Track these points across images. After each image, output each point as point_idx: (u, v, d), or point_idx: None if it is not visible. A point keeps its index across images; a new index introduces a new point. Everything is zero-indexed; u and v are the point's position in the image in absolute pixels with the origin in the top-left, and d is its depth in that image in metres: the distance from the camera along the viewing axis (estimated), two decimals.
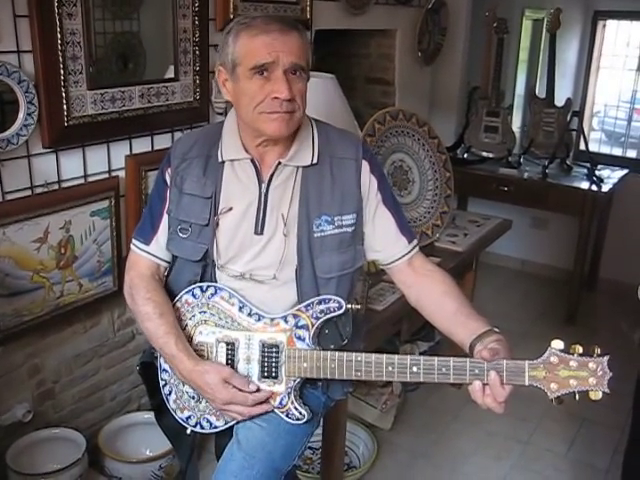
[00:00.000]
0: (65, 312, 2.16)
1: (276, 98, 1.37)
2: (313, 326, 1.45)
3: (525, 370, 1.30)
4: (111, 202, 2.20)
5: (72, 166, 2.08)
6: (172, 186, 1.54)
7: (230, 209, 1.50)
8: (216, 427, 1.54)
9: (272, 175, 1.49)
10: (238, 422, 1.52)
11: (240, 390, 1.45)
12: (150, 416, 2.40)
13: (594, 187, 3.85)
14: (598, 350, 1.28)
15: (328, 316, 1.46)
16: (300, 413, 1.47)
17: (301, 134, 1.51)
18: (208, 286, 1.53)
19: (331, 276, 1.51)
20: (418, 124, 2.73)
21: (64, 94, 1.96)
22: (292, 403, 1.47)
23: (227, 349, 1.50)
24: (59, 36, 1.91)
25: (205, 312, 1.52)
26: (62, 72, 1.94)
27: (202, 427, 1.55)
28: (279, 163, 1.49)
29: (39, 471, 2.06)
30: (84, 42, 1.99)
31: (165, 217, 1.57)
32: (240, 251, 1.51)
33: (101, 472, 2.26)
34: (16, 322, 2.01)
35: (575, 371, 1.27)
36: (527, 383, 1.30)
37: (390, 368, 1.38)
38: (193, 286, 1.54)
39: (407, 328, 2.46)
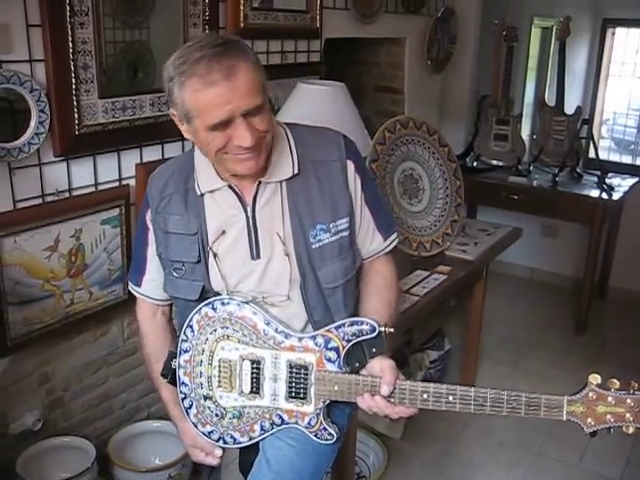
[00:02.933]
0: (75, 320, 2.16)
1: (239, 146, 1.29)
2: (344, 348, 1.39)
3: (564, 406, 1.29)
4: (121, 210, 2.20)
5: (83, 174, 2.09)
6: (156, 229, 1.50)
7: (223, 232, 1.45)
8: (240, 442, 1.50)
9: (255, 196, 1.43)
10: (263, 438, 1.49)
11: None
12: (160, 424, 2.41)
13: (604, 195, 3.83)
14: (636, 385, 1.27)
15: (360, 339, 1.38)
16: (329, 434, 1.43)
17: (276, 147, 1.42)
18: (230, 299, 1.46)
19: (337, 285, 1.48)
20: (428, 132, 2.73)
21: (75, 103, 1.96)
22: (321, 424, 1.43)
23: (252, 367, 1.45)
24: (71, 45, 1.92)
25: (227, 327, 1.46)
26: (73, 81, 1.95)
27: (225, 442, 1.51)
28: (259, 183, 1.42)
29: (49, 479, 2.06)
30: (95, 51, 2.00)
31: (150, 260, 1.55)
32: (243, 276, 1.47)
33: None
34: (26, 330, 2.01)
35: (612, 407, 1.27)
36: (565, 418, 1.29)
37: (425, 396, 1.34)
38: (213, 299, 1.47)
39: (418, 337, 2.45)
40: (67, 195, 2.05)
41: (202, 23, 2.34)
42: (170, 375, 1.54)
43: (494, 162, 4.12)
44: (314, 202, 1.44)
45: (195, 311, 1.48)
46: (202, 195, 1.45)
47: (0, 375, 2.01)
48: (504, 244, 3.04)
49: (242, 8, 2.46)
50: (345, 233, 1.47)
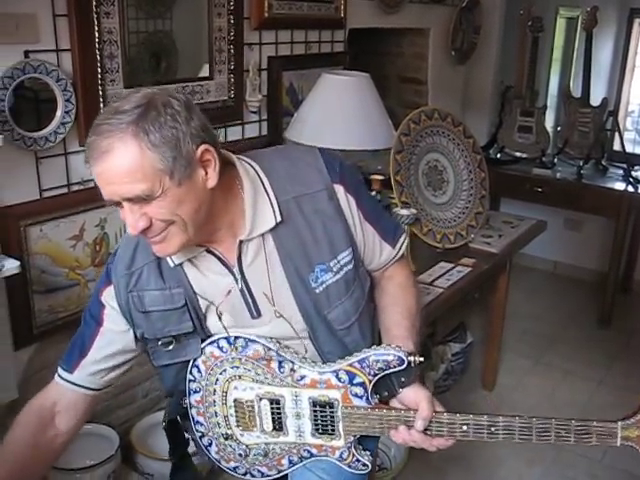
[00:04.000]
0: None
1: None
2: (370, 382, 1.28)
3: (617, 432, 1.23)
4: None
5: None
6: (130, 310, 1.29)
7: (209, 306, 1.30)
8: (269, 476, 1.41)
9: (239, 256, 1.25)
10: (293, 470, 1.41)
11: None
12: None
13: (630, 188, 3.78)
14: None
15: (387, 372, 1.27)
16: (364, 464, 1.35)
17: (247, 200, 1.22)
18: (236, 337, 1.30)
19: (350, 323, 1.34)
20: (453, 124, 2.70)
21: (101, 92, 1.96)
22: (354, 456, 1.34)
23: (272, 406, 1.33)
24: (97, 35, 1.92)
25: (238, 367, 1.32)
26: (99, 70, 1.94)
27: (253, 476, 1.42)
28: (240, 242, 1.23)
29: (73, 466, 2.07)
30: (120, 41, 2.00)
31: (98, 340, 1.33)
32: (250, 330, 1.32)
33: (133, 468, 2.27)
34: (52, 318, 2.02)
35: None
36: (619, 444, 1.24)
37: (464, 428, 1.25)
38: (217, 337, 1.31)
39: (441, 330, 2.44)
40: (92, 185, 2.05)
41: (227, 13, 2.32)
42: (176, 417, 1.45)
43: (518, 154, 4.08)
44: (307, 244, 1.26)
45: (200, 352, 1.34)
46: (179, 265, 1.26)
47: (26, 363, 2.02)
48: (528, 237, 3.01)
49: None
50: (349, 266, 1.31)
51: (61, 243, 1.98)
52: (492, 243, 2.75)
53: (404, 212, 2.32)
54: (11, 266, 1.69)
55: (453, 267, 2.49)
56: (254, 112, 2.50)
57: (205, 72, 2.33)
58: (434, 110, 2.67)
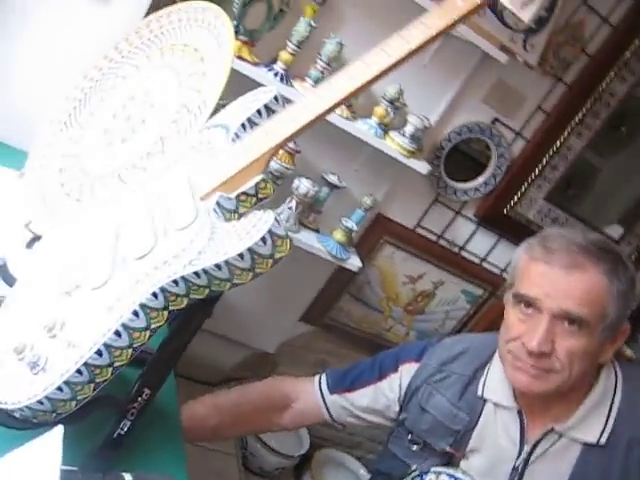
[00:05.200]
0: (373, 343, 2.22)
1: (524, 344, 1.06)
2: None
3: None
4: (483, 295, 2.23)
5: (483, 242, 2.17)
6: (413, 395, 1.25)
7: (476, 451, 1.19)
8: None
9: (539, 440, 1.13)
10: None
11: None
12: None
13: None
14: None
15: None
16: None
17: (592, 397, 1.11)
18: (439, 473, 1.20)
19: None
20: None
21: (523, 188, 2.05)
22: None
23: None
24: (557, 144, 2.00)
25: None
26: (536, 170, 2.03)
27: None
28: (552, 429, 1.11)
29: None
30: (571, 162, 2.06)
31: (366, 390, 1.30)
32: None
33: None
34: (342, 320, 2.16)
35: None
36: None
37: None
38: (456, 472, 1.20)
39: None
40: (456, 250, 2.14)
41: None
42: None
43: None
44: None
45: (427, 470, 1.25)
46: (483, 400, 1.19)
47: (295, 334, 2.17)
48: None
49: None
50: None
51: (397, 273, 2.10)
52: None
53: None
54: (354, 262, 1.83)
55: None
56: None
57: None
58: None
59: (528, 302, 1.06)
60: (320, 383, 1.35)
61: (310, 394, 1.35)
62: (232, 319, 1.96)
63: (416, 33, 0.72)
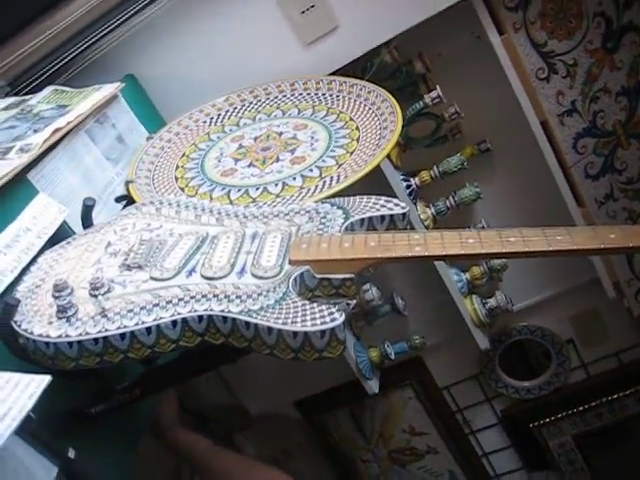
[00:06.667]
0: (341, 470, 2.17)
1: None
2: None
3: None
4: None
5: (494, 439, 2.09)
6: None
7: None
8: None
9: None
10: None
11: None
12: None
13: None
14: None
15: None
16: None
17: None
18: None
19: None
20: None
21: (558, 415, 1.97)
22: None
23: None
24: (608, 398, 1.92)
25: None
26: (581, 408, 1.95)
27: None
28: None
29: None
30: (617, 416, 1.97)
31: None
32: None
33: None
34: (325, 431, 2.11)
35: None
36: None
37: None
38: None
39: None
40: (467, 431, 2.08)
41: None
42: None
43: None
44: None
45: None
46: None
47: None
48: None
49: None
50: None
51: (403, 418, 2.05)
52: None
53: None
54: (372, 386, 1.70)
55: None
56: None
57: None
58: None
59: None
60: None
61: None
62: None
63: (561, 239, 0.71)
